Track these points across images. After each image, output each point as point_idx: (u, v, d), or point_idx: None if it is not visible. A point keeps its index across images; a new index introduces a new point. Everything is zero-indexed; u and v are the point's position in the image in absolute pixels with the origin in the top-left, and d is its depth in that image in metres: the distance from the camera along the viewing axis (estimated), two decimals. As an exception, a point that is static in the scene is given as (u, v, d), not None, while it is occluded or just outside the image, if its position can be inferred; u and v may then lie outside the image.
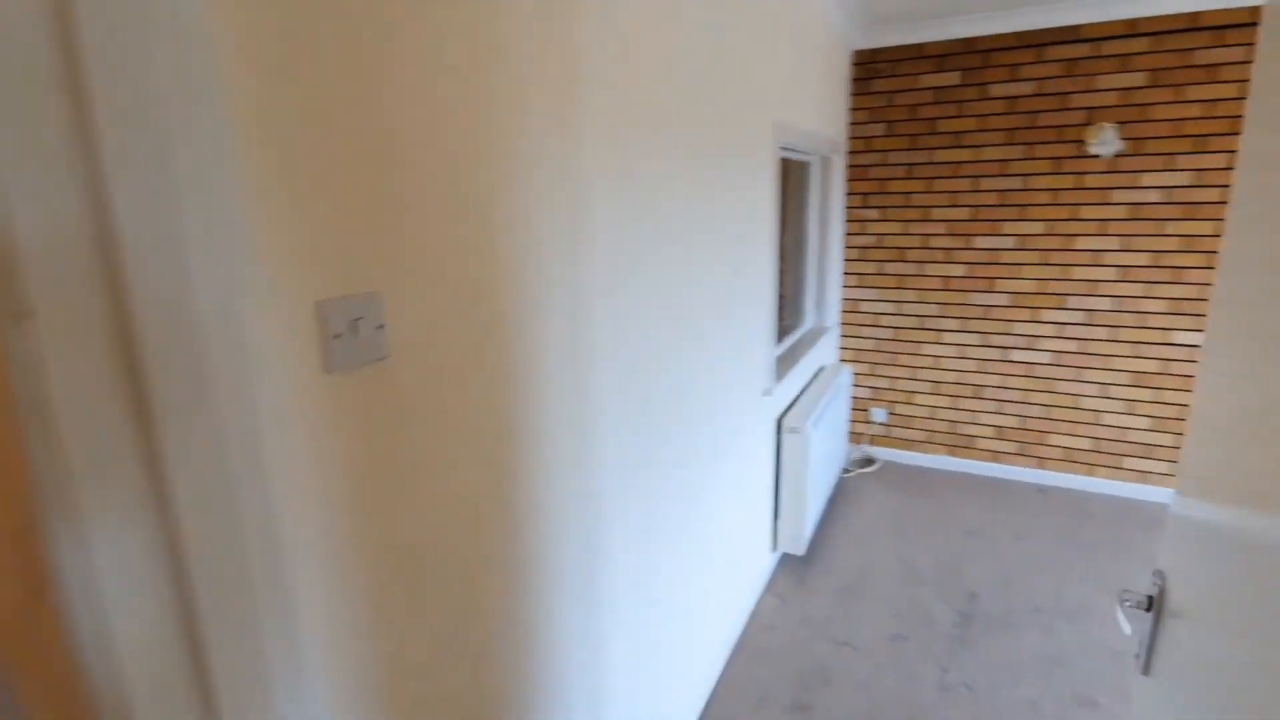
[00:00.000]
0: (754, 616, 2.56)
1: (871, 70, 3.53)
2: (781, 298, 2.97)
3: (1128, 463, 3.41)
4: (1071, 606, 2.56)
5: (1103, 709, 2.07)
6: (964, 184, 3.45)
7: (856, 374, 3.94)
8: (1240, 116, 2.85)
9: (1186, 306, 3.14)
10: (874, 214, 3.69)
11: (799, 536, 2.80)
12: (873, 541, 3.06)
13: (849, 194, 3.73)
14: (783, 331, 3.19)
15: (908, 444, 3.90)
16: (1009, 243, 3.42)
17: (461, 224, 0.95)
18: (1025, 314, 3.46)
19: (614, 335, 1.39)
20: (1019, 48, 3.22)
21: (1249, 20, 2.81)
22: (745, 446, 2.38)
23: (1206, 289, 3.08)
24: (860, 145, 3.64)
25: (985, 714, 2.08)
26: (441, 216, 0.92)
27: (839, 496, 3.49)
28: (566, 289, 1.21)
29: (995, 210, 3.41)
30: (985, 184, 3.41)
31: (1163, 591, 0.95)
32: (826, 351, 3.65)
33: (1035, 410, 3.55)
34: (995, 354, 3.57)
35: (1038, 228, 3.35)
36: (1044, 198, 3.30)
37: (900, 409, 3.88)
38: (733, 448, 2.23)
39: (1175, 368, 3.22)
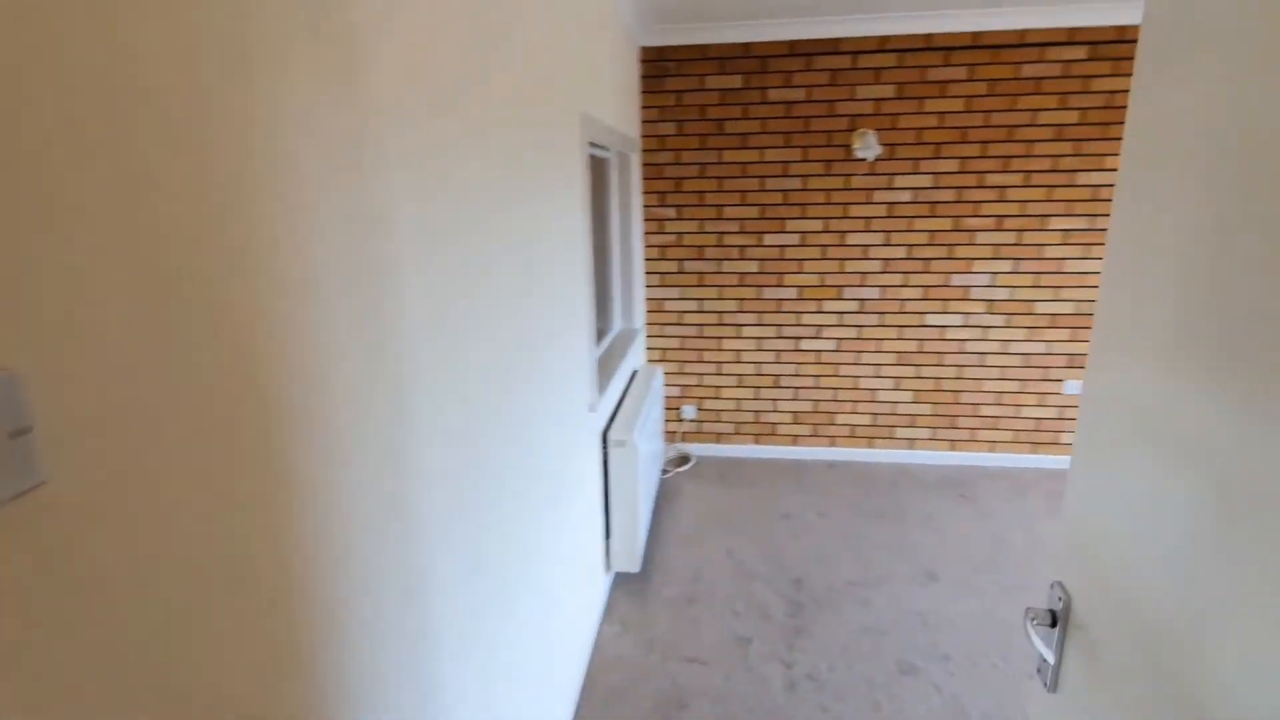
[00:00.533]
0: (597, 650, 2.37)
1: (660, 68, 3.50)
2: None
3: (898, 432, 3.85)
4: (876, 576, 2.77)
5: (922, 673, 2.24)
6: (752, 183, 3.59)
7: (666, 373, 3.94)
8: (965, 128, 3.30)
9: (934, 293, 3.61)
10: (671, 212, 3.69)
11: (633, 553, 2.67)
12: (701, 542, 3.05)
13: (646, 193, 3.69)
14: (597, 337, 3.03)
15: (718, 437, 4.01)
16: (794, 239, 3.64)
17: (178, 254, 0.59)
18: (811, 305, 3.72)
19: (435, 387, 1.08)
20: (790, 55, 3.40)
21: (970, 44, 3.27)
22: (575, 470, 2.17)
23: (949, 276, 3.56)
24: (654, 144, 3.61)
25: (831, 702, 2.13)
26: (133, 239, 0.56)
27: (661, 500, 3.45)
28: (365, 336, 0.88)
29: (780, 209, 3.60)
30: (770, 184, 3.58)
31: (1067, 606, 0.93)
32: (637, 354, 3.58)
33: (825, 394, 3.84)
34: (789, 345, 3.79)
35: (816, 225, 3.60)
36: (820, 197, 3.56)
37: (709, 404, 3.97)
38: (565, 475, 2.00)
39: (929, 346, 3.69)
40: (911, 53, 3.32)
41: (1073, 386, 3.63)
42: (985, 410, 3.74)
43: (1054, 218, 3.42)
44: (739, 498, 3.48)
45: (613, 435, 2.58)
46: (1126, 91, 3.32)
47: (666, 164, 3.63)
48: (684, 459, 3.94)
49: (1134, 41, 3.16)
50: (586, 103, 2.26)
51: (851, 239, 3.59)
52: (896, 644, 2.38)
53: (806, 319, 3.74)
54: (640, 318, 3.74)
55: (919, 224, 3.53)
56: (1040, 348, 3.61)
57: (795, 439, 3.94)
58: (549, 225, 1.79)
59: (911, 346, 3.71)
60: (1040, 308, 3.55)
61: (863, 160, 3.45)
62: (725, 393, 3.93)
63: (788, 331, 3.78)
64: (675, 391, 3.97)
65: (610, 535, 2.68)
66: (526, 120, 1.58)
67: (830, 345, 3.76)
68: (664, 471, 3.75)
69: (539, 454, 1.71)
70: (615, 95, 2.84)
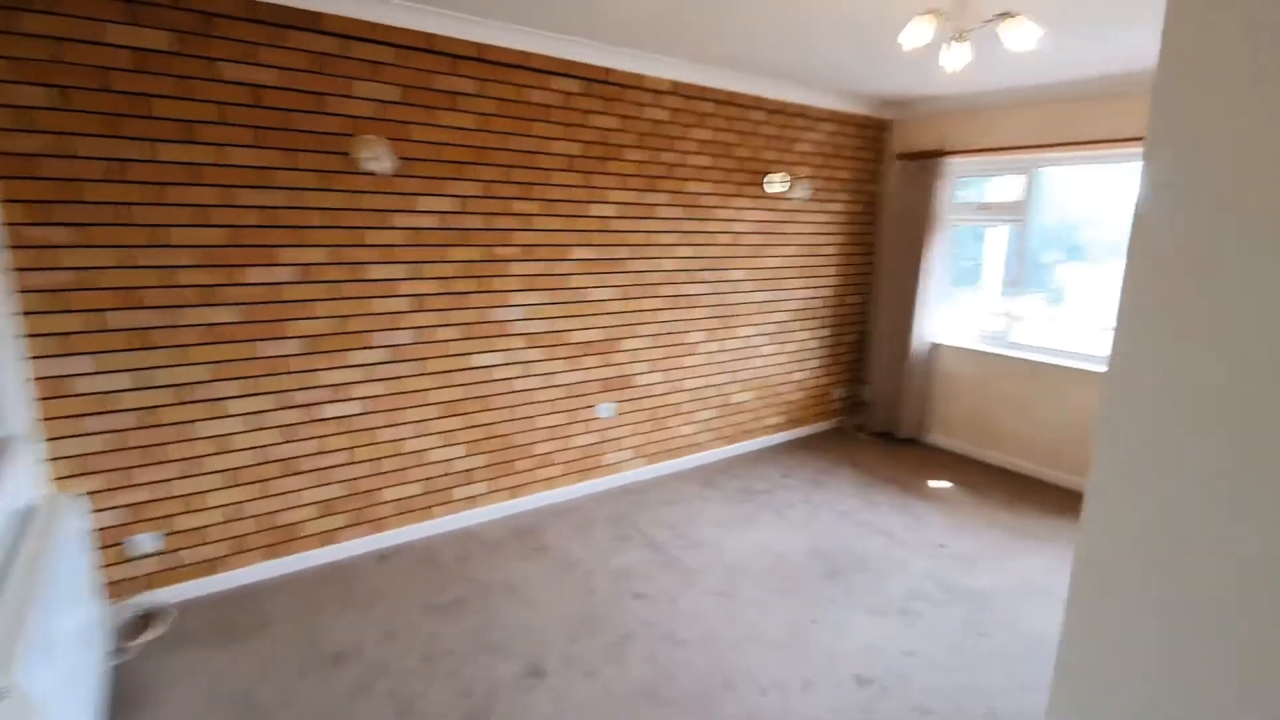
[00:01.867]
0: None
1: (-1, -11, 2.05)
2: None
3: (456, 494, 3.31)
4: (479, 702, 2.17)
5: (573, 825, 1.75)
6: (209, 194, 2.47)
7: (92, 494, 2.43)
8: (483, 148, 2.96)
9: (475, 330, 3.19)
10: (64, 235, 2.25)
11: None
12: (206, 768, 1.87)
13: (3, 201, 2.15)
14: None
15: (209, 566, 2.71)
16: (290, 274, 2.68)
17: None
18: (327, 360, 2.82)
19: None
20: (249, 21, 2.44)
21: (475, 55, 2.93)
22: None
23: (488, 312, 3.19)
24: (8, 118, 2.12)
25: None
26: None
27: (120, 707, 2.05)
28: None
29: (263, 233, 2.60)
30: (242, 196, 2.53)
31: None
32: (21, 483, 2.05)
33: (360, 469, 3.00)
34: (300, 415, 2.81)
35: (320, 254, 2.73)
36: (318, 218, 2.70)
37: (182, 522, 2.63)
38: None
39: (475, 391, 3.26)
40: (412, 51, 2.78)
41: (607, 409, 3.75)
42: (538, 448, 3.54)
43: (574, 247, 3.42)
44: (260, 655, 2.35)
45: None
46: (618, 130, 3.59)
47: (41, 154, 2.18)
48: (147, 618, 2.51)
49: (620, 85, 3.37)
50: None
51: (372, 272, 2.86)
52: (531, 796, 1.83)
53: (323, 378, 2.83)
54: (20, 416, 2.18)
55: (451, 254, 3.04)
56: (578, 376, 3.60)
57: (329, 536, 2.97)
58: None
59: (458, 394, 3.20)
60: (574, 337, 3.53)
61: (372, 174, 2.75)
62: (208, 500, 2.67)
63: (297, 398, 2.78)
64: (113, 519, 2.50)
65: None
66: None
67: (358, 407, 2.94)
68: (118, 653, 2.29)
69: None
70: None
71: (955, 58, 2.11)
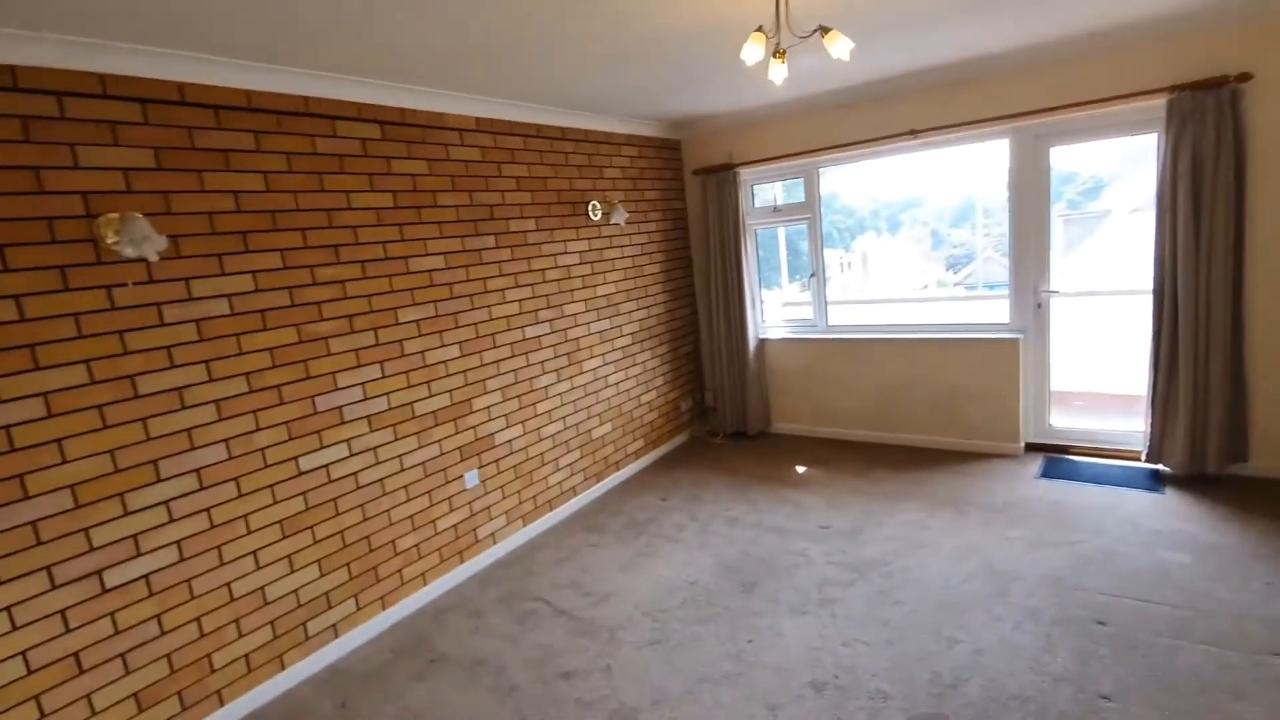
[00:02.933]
0: None
1: None
2: None
3: (313, 626, 2.72)
4: None
5: None
6: (-123, 325, 1.74)
7: None
8: (274, 212, 2.50)
9: (300, 427, 2.65)
10: None
11: None
12: None
13: None
14: None
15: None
16: (29, 410, 1.98)
17: None
18: (107, 510, 2.14)
19: None
20: (-100, 81, 1.77)
21: (245, 104, 2.45)
22: None
23: (313, 401, 2.68)
24: None
25: None
26: None
27: None
28: None
29: (-23, 362, 1.89)
30: (-68, 319, 1.82)
31: None
32: None
33: (179, 637, 2.32)
34: (80, 593, 2.09)
35: (75, 375, 2.07)
36: (66, 329, 2.05)
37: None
38: None
39: (317, 496, 2.71)
40: (159, 105, 2.24)
41: (472, 478, 3.38)
42: (404, 542, 3.06)
43: (403, 309, 3.03)
44: None
45: None
46: (428, 175, 3.25)
47: None
48: None
49: (420, 125, 3.07)
50: None
51: (148, 384, 2.23)
52: None
53: (102, 535, 2.14)
54: None
55: (250, 342, 2.50)
56: (433, 451, 3.19)
57: (152, 735, 2.25)
58: None
59: (297, 506, 2.64)
60: (420, 408, 3.12)
61: (136, 261, 2.15)
62: (-47, 750, 1.86)
63: (71, 570, 2.07)
64: None
65: None
66: None
67: (166, 559, 2.28)
68: None
69: None
70: None
71: (778, 72, 2.21)
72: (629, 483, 4.39)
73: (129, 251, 2.09)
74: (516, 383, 3.64)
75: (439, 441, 3.21)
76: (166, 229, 2.23)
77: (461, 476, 3.33)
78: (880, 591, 2.82)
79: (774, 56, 2.18)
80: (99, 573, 2.13)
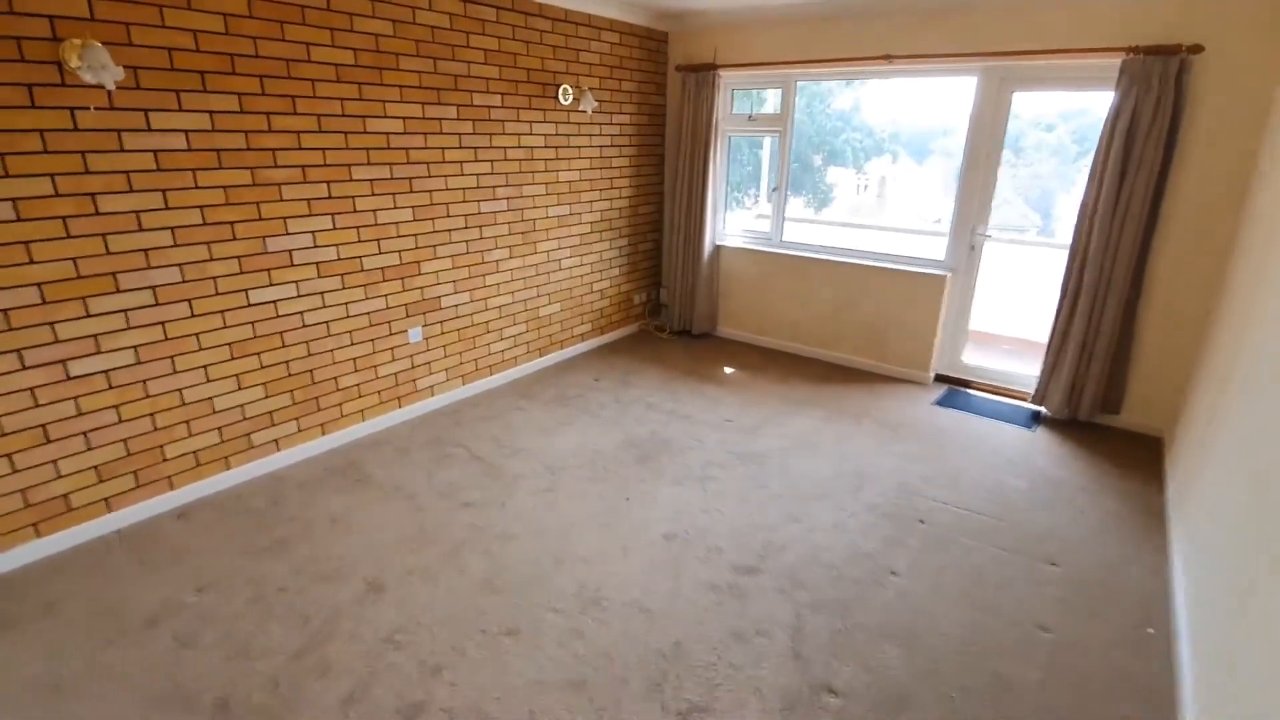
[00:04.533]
0: None
1: None
2: None
3: (257, 438, 3.13)
4: (319, 627, 2.22)
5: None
6: None
7: None
8: (232, 55, 2.65)
9: (251, 263, 2.93)
10: None
11: None
12: (11, 755, 1.75)
13: None
14: None
15: (-46, 559, 2.34)
16: (2, 212, 2.25)
17: None
18: (71, 310, 2.46)
19: None
20: None
21: (205, -58, 2.53)
22: None
23: (264, 241, 2.94)
24: None
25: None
26: None
27: None
28: None
29: (-50, 161, 2.13)
30: (-92, 116, 2.04)
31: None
32: None
33: (137, 426, 2.71)
34: (48, 375, 2.44)
35: (42, 186, 2.31)
36: (31, 143, 2.27)
37: (-94, 514, 2.23)
38: None
39: (264, 328, 3.04)
40: (121, -66, 2.34)
41: (415, 334, 3.70)
42: (345, 381, 3.43)
43: (357, 166, 3.22)
44: (50, 636, 2.16)
45: None
46: (391, 36, 3.33)
47: None
48: (-114, 629, 2.15)
49: (385, -17, 3.11)
50: None
51: (108, 204, 2.48)
52: (393, 695, 1.98)
53: (67, 330, 2.47)
54: None
55: (206, 178, 2.72)
56: (379, 304, 3.49)
57: (110, 503, 2.70)
58: None
59: (245, 333, 2.97)
60: (369, 263, 3.39)
61: (96, 86, 2.34)
62: (-59, 484, 2.28)
63: (39, 356, 2.41)
64: None
65: None
66: None
67: (124, 359, 2.63)
68: None
69: None
70: None
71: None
72: (571, 362, 4.74)
73: (88, 78, 2.27)
74: (468, 253, 3.88)
75: (385, 296, 3.50)
76: (126, 60, 2.40)
77: (405, 331, 3.65)
78: (753, 477, 3.23)
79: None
80: (63, 362, 2.47)
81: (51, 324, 2.42)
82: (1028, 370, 4.22)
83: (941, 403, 4.14)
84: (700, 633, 2.21)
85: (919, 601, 2.39)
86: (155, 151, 2.55)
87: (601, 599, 2.36)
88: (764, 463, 3.36)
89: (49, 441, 2.49)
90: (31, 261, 2.34)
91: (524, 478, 3.18)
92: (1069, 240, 3.67)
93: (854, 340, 4.69)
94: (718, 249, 5.16)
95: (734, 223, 5.31)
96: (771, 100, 4.85)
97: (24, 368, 2.39)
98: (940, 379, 4.48)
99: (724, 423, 3.81)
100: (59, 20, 2.26)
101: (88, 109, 2.37)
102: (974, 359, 4.48)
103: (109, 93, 2.39)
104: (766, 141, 5.40)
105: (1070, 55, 3.46)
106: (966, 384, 4.39)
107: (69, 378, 2.50)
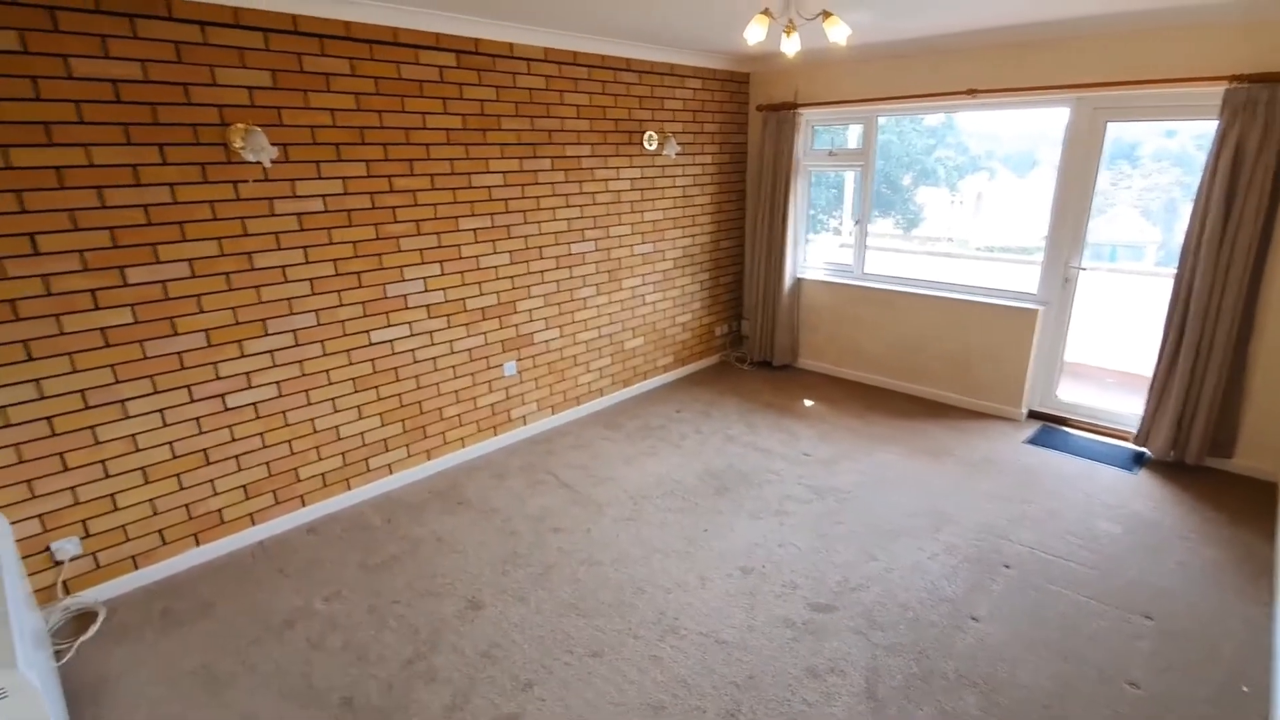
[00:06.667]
0: None
1: None
2: None
3: (374, 463, 3.49)
4: (427, 637, 2.48)
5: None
6: (82, 197, 2.43)
7: (4, 508, 2.44)
8: (361, 128, 3.03)
9: (374, 307, 3.31)
10: (-71, 253, 2.18)
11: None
12: (183, 733, 2.08)
13: None
14: None
15: (134, 562, 2.78)
16: (179, 270, 2.69)
17: None
18: (229, 351, 2.88)
19: None
20: (94, 11, 2.36)
21: (344, 34, 2.94)
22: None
23: (384, 288, 3.31)
24: None
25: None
26: None
27: (77, 705, 2.19)
28: None
29: (145, 231, 2.58)
30: (117, 196, 2.50)
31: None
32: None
33: (276, 451, 3.12)
34: (207, 407, 2.87)
35: (210, 248, 2.75)
36: (203, 212, 2.71)
37: (101, 523, 2.68)
38: None
39: (382, 364, 3.41)
40: (276, 33, 2.77)
41: (510, 368, 4.00)
42: (449, 411, 3.76)
43: (463, 218, 3.56)
44: (208, 633, 2.53)
45: (-33, 689, 1.41)
46: (495, 100, 3.69)
47: (-116, 170, 2.08)
48: (88, 617, 2.59)
49: (491, 55, 3.47)
50: None
51: (262, 260, 2.90)
52: (489, 706, 2.19)
53: (227, 369, 2.89)
54: (-86, 439, 2.15)
55: (339, 235, 3.11)
56: (479, 340, 3.81)
57: (254, 517, 3.10)
58: None
59: (365, 369, 3.34)
60: (471, 304, 3.72)
61: (254, 164, 2.76)
62: (128, 498, 2.73)
63: (203, 390, 2.84)
64: (31, 528, 2.52)
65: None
66: None
67: (268, 393, 3.04)
68: (59, 656, 2.38)
69: None
70: None
71: (789, 45, 2.46)
72: (653, 393, 4.93)
73: (249, 157, 2.70)
74: (558, 291, 4.17)
75: (484, 333, 3.82)
76: (278, 138, 2.82)
77: (501, 365, 3.96)
78: (830, 512, 3.27)
79: (784, 33, 2.42)
80: (222, 396, 2.90)
81: (215, 364, 2.85)
82: (1130, 408, 4.02)
83: (1033, 441, 4.01)
84: (775, 667, 2.30)
85: (1001, 649, 2.37)
86: (299, 214, 2.97)
87: (679, 627, 2.50)
88: (841, 498, 3.40)
89: (209, 464, 2.92)
90: (201, 311, 2.78)
91: (608, 505, 3.37)
92: (1173, 268, 3.51)
93: (938, 374, 4.62)
94: (798, 281, 5.23)
95: (815, 253, 5.36)
96: (853, 135, 4.91)
97: (192, 400, 2.82)
98: (1034, 415, 4.33)
99: (802, 456, 3.87)
100: (225, 109, 2.70)
101: (247, 182, 2.80)
102: (1071, 394, 4.31)
103: (264, 168, 2.81)
104: (849, 174, 5.44)
105: (1169, 85, 3.34)
106: (1063, 421, 4.23)
107: (226, 409, 2.92)
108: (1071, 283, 4.05)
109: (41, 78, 2.29)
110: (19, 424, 2.43)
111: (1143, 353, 4.34)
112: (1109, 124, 3.73)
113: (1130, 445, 3.85)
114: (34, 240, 2.36)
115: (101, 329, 2.54)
